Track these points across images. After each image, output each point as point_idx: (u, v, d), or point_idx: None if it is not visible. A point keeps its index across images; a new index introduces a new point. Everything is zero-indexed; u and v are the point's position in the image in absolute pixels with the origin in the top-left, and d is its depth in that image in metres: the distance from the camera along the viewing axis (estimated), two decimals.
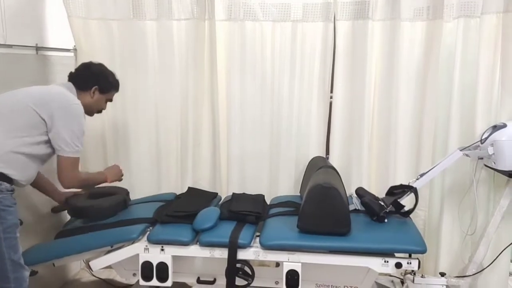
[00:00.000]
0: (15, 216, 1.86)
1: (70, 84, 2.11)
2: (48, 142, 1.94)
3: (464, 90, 2.44)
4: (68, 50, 2.68)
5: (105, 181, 2.25)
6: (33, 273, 2.14)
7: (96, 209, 2.23)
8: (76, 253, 2.14)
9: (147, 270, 2.08)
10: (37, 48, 2.41)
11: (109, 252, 2.14)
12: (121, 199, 2.36)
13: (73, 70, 2.19)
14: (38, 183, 2.19)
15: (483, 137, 2.26)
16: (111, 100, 2.27)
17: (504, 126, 2.23)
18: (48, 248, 2.17)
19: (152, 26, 2.65)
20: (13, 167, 1.85)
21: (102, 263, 2.15)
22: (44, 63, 2.49)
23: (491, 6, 2.35)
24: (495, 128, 2.25)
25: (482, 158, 2.34)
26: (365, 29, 2.48)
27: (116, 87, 2.26)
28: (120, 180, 2.36)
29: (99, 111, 2.24)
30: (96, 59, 2.63)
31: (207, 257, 2.08)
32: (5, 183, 1.83)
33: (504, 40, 2.36)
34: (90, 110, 2.16)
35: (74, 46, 2.67)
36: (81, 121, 2.00)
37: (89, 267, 2.20)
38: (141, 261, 2.08)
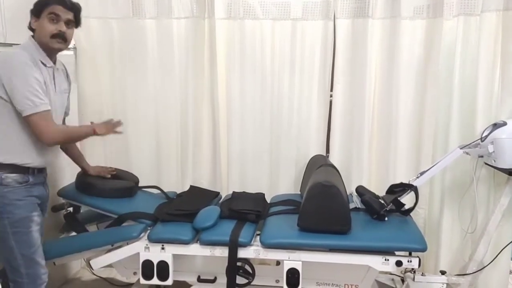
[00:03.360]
0: (25, 209, 1.82)
1: (28, 38, 1.90)
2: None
3: (464, 88, 2.44)
4: (68, 48, 2.66)
5: (94, 134, 1.99)
6: None
7: (100, 188, 2.30)
8: (77, 252, 2.14)
9: (147, 268, 2.08)
10: None
11: (109, 250, 2.14)
12: (128, 186, 2.39)
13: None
14: (71, 153, 2.27)
15: (483, 135, 2.26)
16: (57, 15, 1.85)
17: (504, 124, 2.23)
18: (48, 247, 2.16)
19: (152, 25, 2.65)
20: (12, 152, 1.80)
21: (103, 262, 2.15)
22: None
23: (491, 4, 2.35)
24: (495, 126, 2.25)
25: (482, 156, 2.33)
26: (365, 28, 2.48)
27: (43, 1, 1.85)
28: (114, 132, 2.07)
29: (55, 36, 1.85)
30: (96, 58, 2.67)
31: (207, 256, 2.08)
32: (11, 175, 1.80)
33: (504, 38, 2.35)
34: (45, 42, 1.85)
35: (74, 44, 2.66)
36: (21, 72, 1.74)
37: (90, 266, 2.21)
38: (141, 260, 2.08)
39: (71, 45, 2.64)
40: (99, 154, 2.76)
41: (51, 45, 1.86)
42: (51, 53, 1.92)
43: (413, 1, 2.45)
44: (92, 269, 2.25)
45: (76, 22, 1.95)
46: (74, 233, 2.35)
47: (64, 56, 2.60)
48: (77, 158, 2.36)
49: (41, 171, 1.94)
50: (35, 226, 1.85)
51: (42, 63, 1.86)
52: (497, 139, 2.18)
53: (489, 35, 2.38)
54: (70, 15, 1.89)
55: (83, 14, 2.56)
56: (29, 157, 1.84)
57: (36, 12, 1.86)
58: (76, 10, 1.93)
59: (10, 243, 1.81)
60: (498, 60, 2.38)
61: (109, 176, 2.40)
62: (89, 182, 2.31)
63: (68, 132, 1.98)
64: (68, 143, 2.16)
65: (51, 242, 2.20)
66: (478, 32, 2.37)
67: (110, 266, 2.25)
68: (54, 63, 1.95)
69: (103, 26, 2.66)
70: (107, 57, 2.67)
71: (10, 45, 2.19)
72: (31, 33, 1.89)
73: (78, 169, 2.42)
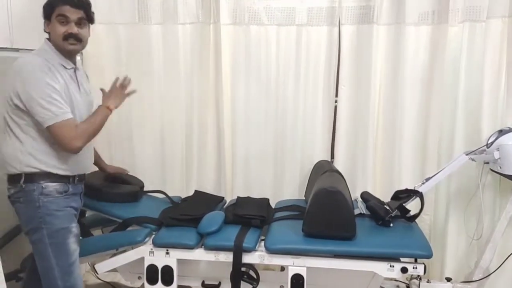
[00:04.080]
0: (64, 220, 1.78)
1: (44, 42, 1.85)
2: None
3: (469, 95, 2.43)
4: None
5: (111, 110, 1.88)
6: None
7: (105, 193, 2.30)
8: (81, 256, 2.13)
9: (152, 273, 2.08)
10: None
11: (114, 255, 2.15)
12: (133, 190, 2.39)
13: None
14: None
15: (489, 142, 2.25)
16: (66, 17, 1.78)
17: (510, 130, 2.23)
18: None
19: (158, 30, 2.67)
20: (50, 161, 1.75)
21: (107, 266, 2.16)
22: None
23: (497, 10, 2.35)
24: (501, 132, 2.25)
25: (488, 163, 2.33)
26: (370, 34, 2.48)
27: (55, 2, 1.78)
28: (127, 95, 1.97)
29: (67, 38, 1.79)
30: (102, 63, 2.68)
31: (212, 261, 2.08)
32: (52, 184, 1.76)
33: (509, 45, 2.36)
34: (59, 45, 1.80)
35: None
36: (35, 81, 1.68)
37: (94, 270, 2.21)
38: (146, 265, 2.09)
39: None
40: (105, 158, 2.76)
41: (65, 47, 1.80)
42: (69, 55, 1.85)
43: (418, 7, 2.45)
44: (97, 273, 2.25)
45: (88, 19, 1.87)
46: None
47: None
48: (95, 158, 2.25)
49: (80, 180, 1.90)
50: (72, 238, 1.81)
51: (62, 65, 1.81)
52: (503, 146, 2.18)
53: (495, 41, 2.38)
54: (79, 14, 1.81)
55: None
56: (66, 165, 1.80)
57: (46, 15, 1.81)
58: (85, 7, 1.84)
59: (47, 254, 1.77)
60: (504, 66, 2.38)
61: (126, 173, 2.44)
62: (94, 187, 2.31)
63: (88, 131, 1.79)
64: (92, 138, 1.88)
65: None
66: (484, 39, 2.37)
67: (114, 270, 2.26)
68: (74, 63, 1.89)
69: (110, 31, 2.67)
70: (114, 62, 2.68)
71: (17, 50, 2.21)
72: (47, 36, 1.84)
73: None
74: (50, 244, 1.76)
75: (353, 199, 2.27)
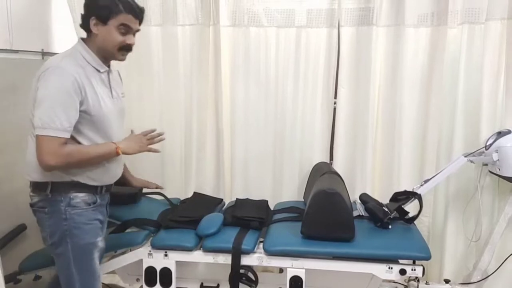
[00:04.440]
0: (91, 234, 1.69)
1: (77, 41, 1.74)
2: None
3: (468, 96, 2.44)
4: None
5: (117, 154, 1.70)
6: (37, 278, 2.15)
7: None
8: None
9: (150, 275, 2.08)
10: (43, 53, 2.43)
11: (113, 257, 2.14)
12: (132, 192, 2.38)
13: None
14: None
15: (488, 143, 2.26)
16: (128, 27, 1.69)
17: (509, 132, 2.23)
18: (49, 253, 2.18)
19: (157, 32, 2.66)
20: (77, 170, 1.64)
21: (106, 268, 2.15)
22: None
23: (496, 12, 2.35)
24: (500, 134, 2.25)
25: (486, 165, 2.34)
26: (370, 35, 2.48)
27: (117, 7, 1.65)
28: (148, 150, 1.81)
29: (123, 48, 1.71)
30: None
31: (210, 263, 2.08)
32: (80, 194, 1.66)
33: (508, 47, 2.36)
34: (109, 52, 1.70)
35: None
36: (50, 87, 1.56)
37: None
38: (144, 266, 2.08)
39: None
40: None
41: (116, 56, 1.71)
42: (108, 60, 1.77)
43: (417, 9, 2.45)
44: None
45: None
46: None
47: None
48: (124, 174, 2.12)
49: (107, 190, 1.81)
50: (97, 253, 1.73)
51: (95, 68, 1.71)
52: (502, 148, 2.18)
53: (494, 43, 2.38)
54: (138, 27, 1.75)
55: None
56: (96, 174, 1.71)
57: (102, 17, 1.65)
58: (142, 18, 1.76)
59: (71, 269, 1.68)
60: (503, 68, 2.38)
61: (155, 188, 2.32)
62: None
63: (73, 156, 1.61)
64: (77, 167, 1.68)
65: None
66: (483, 41, 2.38)
67: (113, 272, 2.26)
68: (109, 66, 1.79)
69: None
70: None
71: (16, 51, 2.21)
72: (82, 35, 1.73)
73: None
74: (74, 259, 1.68)
75: (352, 201, 2.27)
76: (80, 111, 1.62)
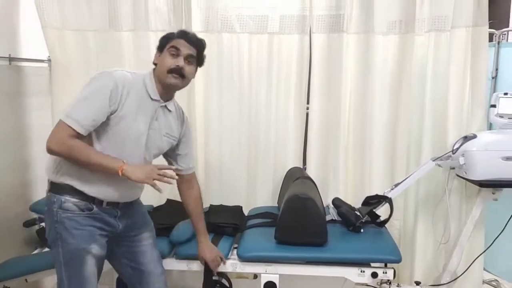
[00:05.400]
0: (82, 240, 1.63)
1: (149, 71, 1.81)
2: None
3: (435, 102, 2.50)
4: (42, 61, 2.64)
5: (120, 173, 1.59)
6: None
7: None
8: (50, 268, 2.08)
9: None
10: (10, 59, 2.37)
11: None
12: None
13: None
14: (191, 211, 2.02)
15: (455, 148, 2.32)
16: (177, 49, 1.73)
17: (474, 136, 2.30)
18: (20, 263, 2.12)
19: (129, 37, 2.63)
20: (75, 176, 1.64)
21: None
22: (18, 74, 2.45)
23: (461, 20, 2.43)
24: (466, 138, 2.32)
25: (454, 168, 2.41)
26: (340, 42, 2.52)
27: (172, 34, 1.78)
28: (151, 181, 1.63)
29: (172, 71, 1.71)
30: (72, 70, 2.63)
31: (184, 270, 2.06)
32: (73, 199, 1.64)
33: (473, 53, 2.43)
34: (162, 77, 1.73)
35: (49, 56, 2.63)
36: (91, 85, 1.63)
37: None
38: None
39: (45, 57, 2.64)
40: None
41: (167, 80, 1.71)
42: (166, 90, 1.77)
43: (386, 16, 2.50)
44: None
45: (198, 59, 1.81)
46: (47, 249, 2.29)
47: (38, 68, 2.59)
48: (195, 219, 2.04)
49: (114, 206, 1.74)
50: (90, 260, 1.66)
51: (148, 93, 1.72)
52: (468, 152, 2.25)
53: (459, 50, 2.45)
54: (192, 51, 1.75)
55: (58, 25, 2.58)
56: (95, 186, 1.66)
57: (160, 47, 1.78)
58: (200, 46, 1.79)
59: (61, 274, 1.65)
60: (468, 74, 2.45)
61: (220, 263, 2.04)
62: None
63: (74, 150, 1.58)
64: (77, 164, 1.63)
65: (23, 258, 2.14)
66: (449, 47, 2.45)
67: None
68: (166, 101, 1.79)
69: (79, 38, 2.62)
70: (83, 70, 2.63)
71: None
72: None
73: None
74: (64, 264, 1.64)
75: (325, 205, 2.30)
76: (111, 118, 1.63)
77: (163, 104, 1.78)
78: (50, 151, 1.60)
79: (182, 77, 1.73)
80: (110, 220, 1.75)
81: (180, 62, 1.72)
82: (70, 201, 1.64)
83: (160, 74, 1.73)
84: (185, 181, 1.99)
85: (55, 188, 1.67)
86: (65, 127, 1.57)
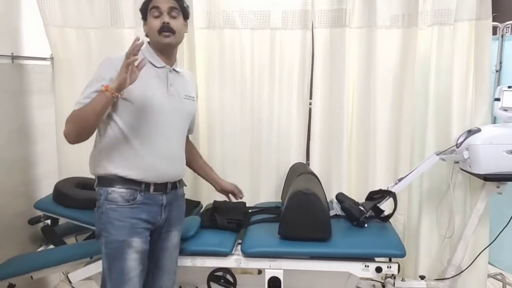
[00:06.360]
0: (124, 232, 1.64)
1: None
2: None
3: (439, 96, 2.49)
4: (44, 58, 2.64)
5: (111, 94, 1.53)
6: (10, 286, 2.10)
7: (77, 200, 2.23)
8: (55, 265, 2.10)
9: None
10: (13, 57, 2.38)
11: (88, 263, 2.11)
12: None
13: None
14: (196, 167, 2.14)
15: (459, 142, 2.31)
16: (158, 8, 1.72)
17: (479, 130, 2.28)
18: (25, 260, 2.13)
19: (131, 34, 2.63)
20: (117, 163, 1.65)
21: (82, 275, 2.12)
22: (20, 72, 2.46)
23: (464, 13, 2.41)
24: (470, 132, 2.31)
25: (458, 162, 2.39)
26: (343, 37, 2.51)
27: (144, 2, 1.77)
28: (131, 72, 1.53)
29: (162, 30, 1.70)
30: (74, 68, 2.64)
31: (188, 266, 2.06)
32: (119, 190, 1.65)
33: (477, 47, 2.42)
34: (155, 41, 1.74)
35: (51, 54, 2.64)
36: (95, 73, 1.67)
37: (68, 280, 2.16)
38: None
39: (47, 55, 2.64)
40: (72, 164, 2.70)
41: (160, 40, 1.72)
42: (164, 53, 1.77)
43: (389, 10, 2.48)
44: (71, 282, 2.20)
45: (182, 10, 1.76)
46: (52, 246, 2.30)
47: (40, 66, 2.59)
48: (205, 171, 2.18)
49: (159, 190, 1.75)
50: (132, 254, 1.65)
51: (151, 63, 1.74)
52: (472, 146, 2.23)
53: (463, 43, 2.44)
54: (171, 3, 1.73)
55: (60, 23, 2.58)
56: (138, 168, 1.68)
57: (143, 15, 1.78)
58: None
59: (104, 264, 1.67)
60: (472, 68, 2.44)
61: (241, 197, 2.24)
62: (66, 194, 2.27)
63: (75, 117, 1.60)
64: (86, 129, 1.61)
65: (28, 256, 2.15)
66: (452, 41, 2.43)
67: (89, 278, 2.21)
68: (171, 65, 1.79)
69: (81, 35, 2.63)
70: (85, 67, 2.63)
71: None
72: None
73: (55, 181, 2.38)
74: (106, 255, 1.67)
75: (328, 200, 2.29)
76: (122, 99, 1.61)
77: (171, 69, 1.80)
78: (65, 137, 1.62)
79: (172, 32, 1.73)
80: (155, 210, 1.74)
81: (165, 18, 1.72)
82: (115, 192, 1.66)
83: (153, 39, 1.75)
84: (187, 142, 2.00)
85: (101, 181, 1.71)
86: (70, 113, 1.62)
